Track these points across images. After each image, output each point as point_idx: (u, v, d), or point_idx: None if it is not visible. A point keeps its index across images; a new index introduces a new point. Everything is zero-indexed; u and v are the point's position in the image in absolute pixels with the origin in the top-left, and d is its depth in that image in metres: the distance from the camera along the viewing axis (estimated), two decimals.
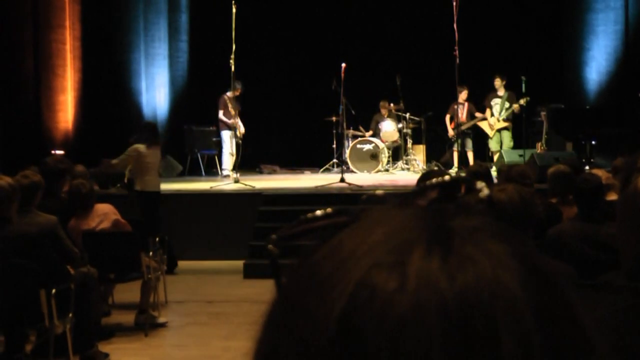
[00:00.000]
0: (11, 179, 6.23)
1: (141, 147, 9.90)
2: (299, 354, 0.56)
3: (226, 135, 14.34)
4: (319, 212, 0.67)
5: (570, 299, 0.59)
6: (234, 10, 12.44)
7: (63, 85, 15.47)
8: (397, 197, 0.65)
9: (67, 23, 15.54)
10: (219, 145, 15.18)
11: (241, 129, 13.95)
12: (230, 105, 14.00)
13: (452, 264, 0.56)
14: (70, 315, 6.30)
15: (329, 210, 0.66)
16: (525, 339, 0.54)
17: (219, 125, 14.53)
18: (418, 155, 15.63)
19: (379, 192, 0.68)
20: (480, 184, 0.68)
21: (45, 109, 15.31)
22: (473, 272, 0.56)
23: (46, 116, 15.24)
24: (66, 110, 15.48)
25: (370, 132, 15.59)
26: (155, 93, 16.65)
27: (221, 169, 14.84)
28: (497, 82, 14.79)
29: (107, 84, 15.59)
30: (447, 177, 0.67)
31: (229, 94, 14.14)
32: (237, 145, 14.07)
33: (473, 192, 0.68)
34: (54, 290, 6.05)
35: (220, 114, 14.19)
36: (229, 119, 14.06)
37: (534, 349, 0.54)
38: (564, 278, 0.60)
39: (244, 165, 14.04)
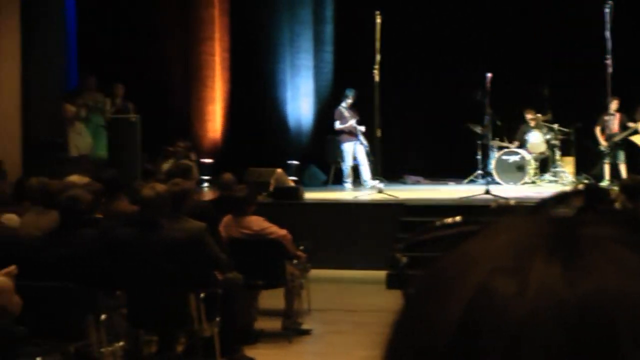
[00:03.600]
0: (163, 186, 6.44)
1: None
2: (416, 356, 0.56)
3: (348, 147, 14.29)
4: (447, 220, 0.67)
5: None
6: (378, 20, 12.46)
7: (212, 95, 15.90)
8: (527, 206, 0.64)
9: (216, 35, 15.98)
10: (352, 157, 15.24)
11: (362, 129, 13.96)
12: (347, 115, 14.04)
13: (574, 271, 0.54)
14: (218, 319, 6.44)
15: (457, 218, 0.66)
16: None
17: (340, 138, 14.51)
18: (567, 167, 15.21)
19: (509, 201, 0.68)
20: (615, 193, 0.66)
21: (194, 119, 15.78)
22: (596, 279, 0.54)
23: (196, 126, 15.70)
24: (215, 120, 15.91)
25: (517, 143, 15.31)
26: (300, 103, 16.87)
27: (343, 181, 14.73)
28: None
29: (254, 94, 15.90)
30: (580, 186, 0.65)
31: (344, 104, 14.19)
32: (367, 153, 14.08)
33: (606, 202, 0.65)
34: (202, 295, 6.20)
35: (337, 124, 14.21)
36: (347, 129, 14.10)
37: None
38: None
39: (387, 175, 14.03)
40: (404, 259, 0.71)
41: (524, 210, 0.63)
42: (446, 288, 0.57)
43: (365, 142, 14.16)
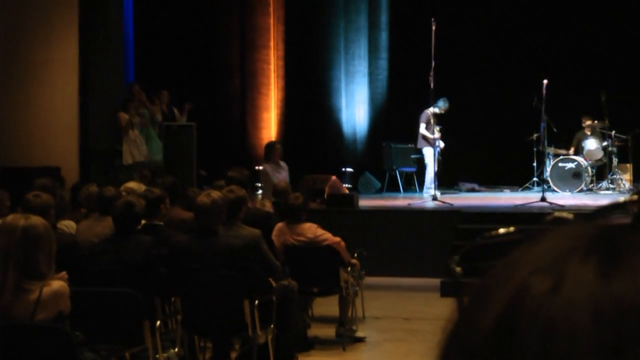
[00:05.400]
0: (218, 193, 6.48)
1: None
2: (459, 353, 0.60)
3: (429, 152, 14.03)
4: (501, 231, 0.69)
5: None
6: (433, 27, 12.41)
7: (267, 103, 15.99)
8: (583, 217, 0.65)
9: (272, 43, 16.07)
10: (418, 163, 15.09)
11: (441, 144, 13.84)
12: (432, 123, 13.88)
13: (608, 268, 0.56)
14: (272, 326, 6.45)
15: (511, 229, 0.68)
16: None
17: (421, 141, 14.25)
18: (624, 175, 14.98)
19: (567, 214, 0.68)
20: None
21: (250, 125, 15.88)
22: (630, 277, 0.55)
23: (251, 133, 15.80)
24: (269, 128, 15.99)
25: (573, 150, 15.12)
26: (355, 110, 16.86)
27: (426, 188, 14.54)
28: None
29: (308, 101, 15.95)
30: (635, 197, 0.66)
31: (432, 109, 13.93)
32: (439, 162, 13.97)
33: None
34: (257, 301, 6.21)
35: (422, 127, 13.97)
36: (432, 136, 13.89)
37: None
38: None
39: (442, 182, 13.95)
40: (459, 269, 0.71)
41: (579, 221, 0.64)
42: (490, 291, 0.59)
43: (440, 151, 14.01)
